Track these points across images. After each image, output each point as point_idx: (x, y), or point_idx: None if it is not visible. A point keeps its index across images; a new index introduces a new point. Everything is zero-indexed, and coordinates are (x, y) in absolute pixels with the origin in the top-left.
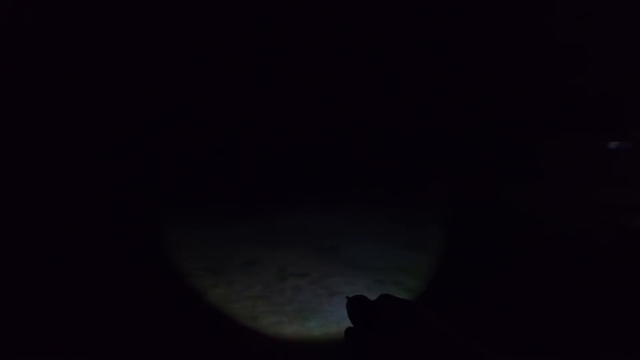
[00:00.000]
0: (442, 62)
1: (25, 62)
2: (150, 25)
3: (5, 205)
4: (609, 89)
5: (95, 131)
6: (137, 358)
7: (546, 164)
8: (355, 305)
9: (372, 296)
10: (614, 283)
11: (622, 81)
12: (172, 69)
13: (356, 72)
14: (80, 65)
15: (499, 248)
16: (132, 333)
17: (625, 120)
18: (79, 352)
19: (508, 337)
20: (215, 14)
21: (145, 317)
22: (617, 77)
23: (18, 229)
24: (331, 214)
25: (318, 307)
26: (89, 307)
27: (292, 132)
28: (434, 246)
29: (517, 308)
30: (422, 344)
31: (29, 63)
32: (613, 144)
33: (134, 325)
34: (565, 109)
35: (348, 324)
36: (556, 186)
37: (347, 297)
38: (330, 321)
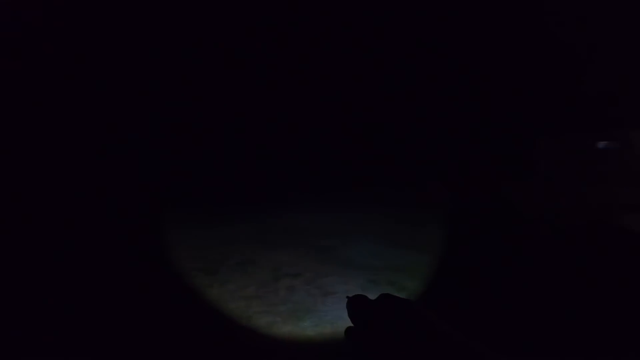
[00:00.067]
0: (441, 62)
1: (25, 62)
2: (150, 24)
3: (5, 205)
4: (599, 90)
5: (95, 130)
6: (133, 358)
7: (541, 163)
8: (356, 305)
9: (368, 295)
10: (613, 283)
11: (611, 83)
12: (172, 68)
13: (356, 71)
14: (80, 65)
15: (498, 248)
16: (128, 333)
17: (615, 121)
18: (79, 352)
19: (508, 337)
20: (215, 13)
21: (141, 318)
22: (607, 79)
23: (18, 228)
24: (329, 213)
25: (312, 307)
26: (87, 306)
27: (292, 131)
28: (430, 246)
29: (517, 308)
30: (422, 343)
31: (29, 62)
32: (602, 144)
33: (129, 325)
34: (557, 109)
35: (342, 323)
36: (550, 185)
37: (347, 297)
38: (325, 321)
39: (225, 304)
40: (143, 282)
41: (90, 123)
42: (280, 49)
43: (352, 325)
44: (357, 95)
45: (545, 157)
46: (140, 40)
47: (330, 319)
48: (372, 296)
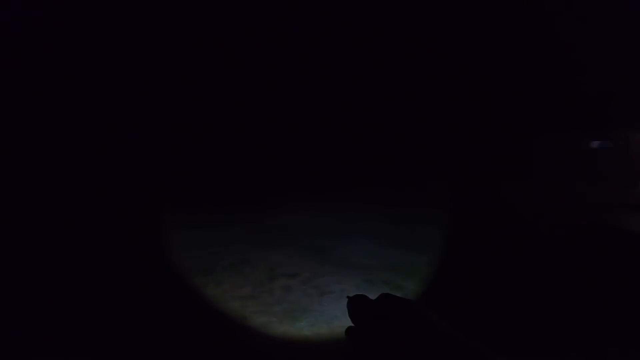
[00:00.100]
0: (441, 62)
1: (26, 61)
2: (150, 24)
3: (5, 204)
4: (596, 90)
5: (95, 130)
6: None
7: (540, 163)
8: (356, 305)
9: (360, 294)
10: (613, 282)
11: (605, 83)
12: (172, 68)
13: (356, 71)
14: (80, 65)
15: (498, 247)
16: (127, 333)
17: (613, 120)
18: (79, 352)
19: (508, 337)
20: (215, 13)
21: (138, 318)
22: (605, 79)
23: (18, 227)
24: (327, 213)
25: (308, 307)
26: (87, 306)
27: (292, 131)
28: (427, 245)
29: (517, 308)
30: (423, 343)
31: (29, 62)
32: (595, 143)
33: (128, 325)
34: (555, 109)
35: (338, 323)
36: (549, 185)
37: (347, 297)
38: (321, 321)
39: (222, 304)
40: (142, 282)
41: (91, 123)
42: (280, 49)
43: (352, 325)
44: (357, 95)
45: (543, 157)
46: (141, 41)
47: (327, 319)
48: (371, 296)
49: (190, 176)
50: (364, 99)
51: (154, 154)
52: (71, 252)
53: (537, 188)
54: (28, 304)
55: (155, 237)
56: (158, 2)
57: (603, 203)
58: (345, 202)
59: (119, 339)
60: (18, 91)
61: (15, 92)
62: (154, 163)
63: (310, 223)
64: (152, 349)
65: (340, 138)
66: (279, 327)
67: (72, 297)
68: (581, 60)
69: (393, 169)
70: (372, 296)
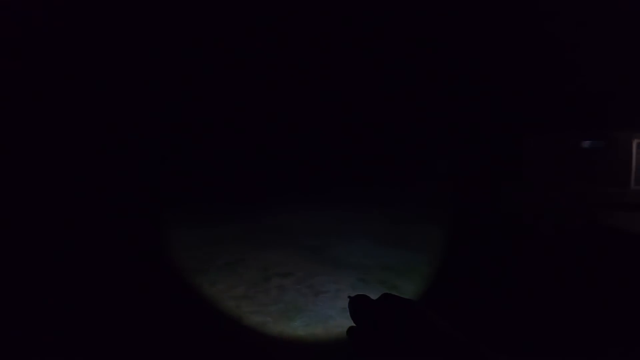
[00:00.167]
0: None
1: (26, 61)
2: (150, 24)
3: (5, 204)
4: (585, 90)
5: (96, 130)
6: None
7: (538, 163)
8: (358, 305)
9: (355, 294)
10: (612, 283)
11: (598, 83)
12: (172, 68)
13: (356, 71)
14: (80, 65)
15: (498, 247)
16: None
17: (600, 120)
18: (79, 352)
19: (508, 337)
20: (215, 13)
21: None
22: (593, 79)
23: (18, 227)
24: (326, 213)
25: (303, 307)
26: (87, 306)
27: (292, 131)
28: (424, 245)
29: (517, 308)
30: (424, 343)
31: (30, 62)
32: (586, 143)
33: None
34: (552, 110)
35: (333, 323)
36: (548, 185)
37: (349, 297)
38: (316, 321)
39: (217, 304)
40: (141, 282)
41: (91, 123)
42: (280, 49)
43: (353, 325)
44: (357, 95)
45: (540, 157)
46: (141, 41)
47: (321, 319)
48: (371, 296)
49: (190, 176)
50: (364, 99)
51: (153, 154)
52: (71, 252)
53: (535, 188)
54: (28, 304)
55: (155, 237)
56: (158, 2)
57: (596, 203)
58: (344, 201)
59: (118, 339)
60: (18, 91)
61: (15, 92)
62: (154, 163)
63: (309, 223)
64: (152, 348)
65: (340, 138)
66: (274, 327)
67: (72, 297)
68: (575, 60)
69: (393, 168)
70: (371, 296)
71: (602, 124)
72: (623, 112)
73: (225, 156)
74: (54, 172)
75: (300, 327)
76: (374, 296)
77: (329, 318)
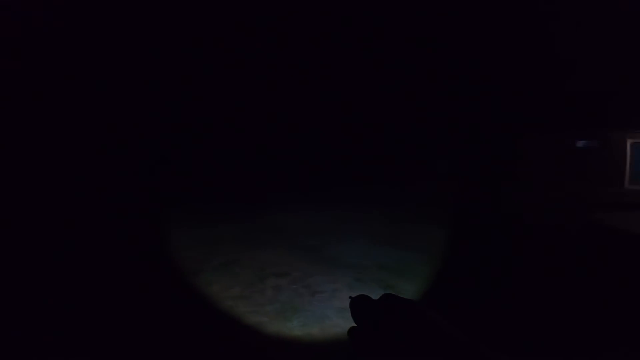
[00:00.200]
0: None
1: (26, 61)
2: (150, 24)
3: (6, 205)
4: (578, 89)
5: (95, 130)
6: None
7: (537, 163)
8: (359, 305)
9: (354, 294)
10: (611, 282)
11: (591, 82)
12: (172, 68)
13: (356, 71)
14: (80, 65)
15: (498, 247)
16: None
17: (596, 120)
18: (79, 352)
19: (508, 337)
20: (215, 13)
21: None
22: (589, 80)
23: (18, 227)
24: (325, 212)
25: (299, 307)
26: (87, 306)
27: (292, 131)
28: (422, 245)
29: (517, 308)
30: (426, 343)
31: (30, 62)
32: (581, 143)
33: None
34: (542, 109)
35: (329, 323)
36: (547, 185)
37: (350, 297)
38: (312, 321)
39: (214, 304)
40: (141, 282)
41: (91, 123)
42: (280, 49)
43: (354, 325)
44: (357, 95)
45: (538, 157)
46: (141, 41)
47: (318, 318)
48: (372, 296)
49: (190, 176)
50: (364, 99)
51: (153, 154)
52: (71, 252)
53: (532, 187)
54: (28, 304)
55: (154, 237)
56: (158, 2)
57: (592, 202)
58: (344, 201)
59: (118, 338)
60: (18, 91)
61: (15, 92)
62: (154, 163)
63: (308, 222)
64: (150, 348)
65: (340, 138)
66: (270, 327)
67: (72, 297)
68: (571, 61)
69: (393, 168)
70: (371, 296)
71: (598, 124)
72: (618, 112)
73: (225, 156)
74: (54, 172)
75: (297, 327)
76: (373, 296)
77: (325, 318)
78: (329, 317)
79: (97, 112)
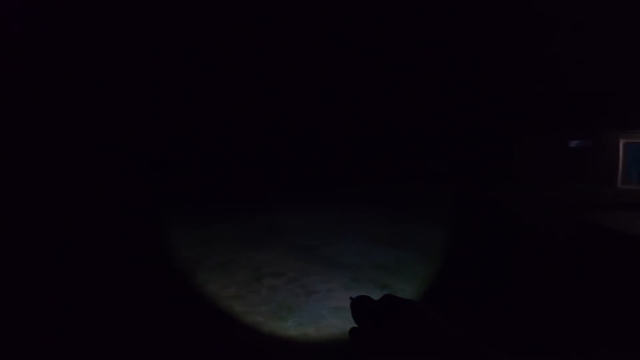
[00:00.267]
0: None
1: (26, 61)
2: (151, 24)
3: (6, 204)
4: (572, 90)
5: (95, 131)
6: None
7: (525, 163)
8: (360, 306)
9: (350, 294)
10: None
11: (585, 83)
12: (172, 68)
13: (356, 71)
14: (80, 65)
15: (497, 247)
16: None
17: (587, 120)
18: (79, 352)
19: (509, 337)
20: (215, 13)
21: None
22: (580, 79)
23: (18, 227)
24: (325, 212)
25: (295, 307)
26: (87, 306)
27: (292, 131)
28: (420, 244)
29: (518, 308)
30: (426, 344)
31: (30, 62)
32: (574, 143)
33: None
34: (536, 109)
35: (325, 323)
36: (534, 184)
37: (350, 298)
38: (308, 321)
39: (211, 304)
40: (141, 282)
41: (91, 123)
42: (281, 49)
43: (355, 326)
44: (357, 95)
45: (534, 157)
46: (141, 41)
47: (313, 319)
48: (371, 296)
49: (190, 176)
50: (364, 99)
51: (153, 154)
52: (71, 252)
53: (528, 187)
54: (28, 304)
55: (154, 237)
56: (158, 2)
57: (586, 202)
58: (343, 201)
59: (118, 338)
60: (18, 91)
61: (15, 92)
62: (154, 163)
63: (307, 222)
64: (150, 348)
65: (340, 138)
66: (265, 327)
67: (72, 297)
68: (567, 62)
69: (393, 168)
70: (369, 296)
71: (592, 124)
72: (611, 112)
73: (225, 156)
74: (54, 173)
75: (292, 327)
76: (371, 296)
77: (321, 318)
78: (324, 317)
79: (97, 112)
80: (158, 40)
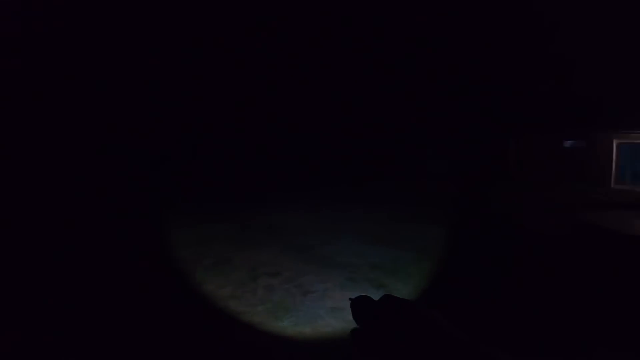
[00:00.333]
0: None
1: (26, 61)
2: (151, 24)
3: (6, 204)
4: (567, 91)
5: (95, 130)
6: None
7: (522, 163)
8: (360, 306)
9: (346, 293)
10: (613, 283)
11: (579, 84)
12: (172, 68)
13: (356, 71)
14: (80, 65)
15: (497, 247)
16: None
17: (581, 120)
18: (79, 352)
19: (509, 337)
20: (215, 13)
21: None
22: (575, 81)
23: (18, 227)
24: (324, 212)
25: (292, 306)
26: (87, 306)
27: (292, 131)
28: (419, 244)
29: (518, 308)
30: (427, 344)
31: (30, 62)
32: (568, 143)
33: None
34: (533, 110)
35: (322, 322)
36: (531, 184)
37: (350, 299)
38: (304, 320)
39: (209, 303)
40: (141, 282)
41: (91, 123)
42: (281, 49)
43: (356, 326)
44: (357, 95)
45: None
46: (141, 41)
47: (310, 318)
48: (371, 296)
49: (190, 176)
50: (364, 99)
51: (153, 154)
52: (71, 252)
53: (525, 187)
54: (28, 304)
55: (153, 237)
56: (158, 2)
57: (580, 202)
58: (343, 201)
59: (118, 338)
60: (18, 91)
61: (15, 92)
62: (154, 163)
63: (306, 222)
64: (150, 348)
65: (340, 138)
66: (261, 327)
67: (72, 297)
68: (562, 63)
69: (393, 168)
70: (369, 296)
71: (586, 125)
72: (605, 113)
73: (225, 156)
74: (54, 172)
75: (288, 327)
76: (373, 297)
77: (317, 318)
78: (321, 317)
79: (97, 112)
80: (158, 40)
